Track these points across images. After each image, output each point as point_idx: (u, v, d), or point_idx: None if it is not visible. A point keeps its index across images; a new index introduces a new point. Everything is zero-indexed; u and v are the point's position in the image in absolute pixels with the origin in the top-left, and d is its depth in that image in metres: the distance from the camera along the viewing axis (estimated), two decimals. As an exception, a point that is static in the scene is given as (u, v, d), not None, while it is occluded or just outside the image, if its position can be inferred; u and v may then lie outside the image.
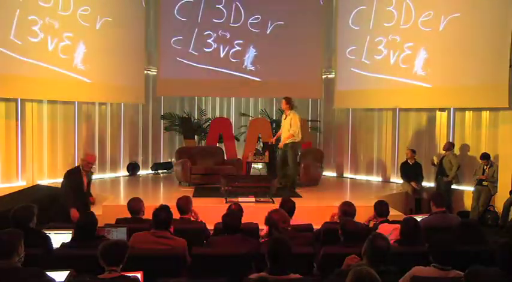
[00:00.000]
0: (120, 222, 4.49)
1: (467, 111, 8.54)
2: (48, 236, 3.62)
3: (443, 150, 8.25)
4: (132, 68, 9.62)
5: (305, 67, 10.16)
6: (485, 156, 7.69)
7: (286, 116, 7.74)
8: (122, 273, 2.85)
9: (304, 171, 8.49)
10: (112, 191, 8.23)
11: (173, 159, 10.14)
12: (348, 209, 4.44)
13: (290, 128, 7.61)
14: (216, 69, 10.08)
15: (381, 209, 4.53)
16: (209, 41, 10.05)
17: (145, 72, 10.16)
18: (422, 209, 8.00)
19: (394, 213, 6.03)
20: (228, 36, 10.08)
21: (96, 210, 5.45)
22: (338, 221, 4.56)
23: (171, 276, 3.18)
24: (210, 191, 7.84)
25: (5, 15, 7.52)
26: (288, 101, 7.73)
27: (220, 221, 3.98)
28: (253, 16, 10.11)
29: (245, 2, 10.11)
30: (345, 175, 10.41)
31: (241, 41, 10.12)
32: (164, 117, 10.59)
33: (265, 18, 10.11)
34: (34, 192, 7.56)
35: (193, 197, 5.34)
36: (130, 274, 2.85)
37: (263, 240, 3.94)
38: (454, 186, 8.24)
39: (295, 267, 2.94)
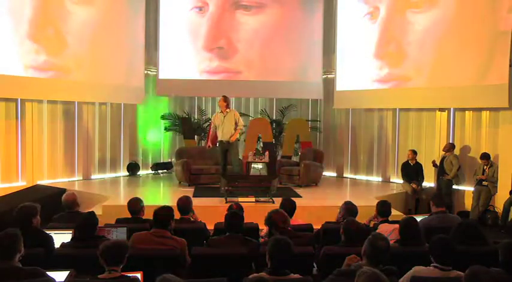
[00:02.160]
0: (120, 222, 4.49)
1: (467, 111, 8.54)
2: (51, 236, 3.63)
3: (444, 151, 8.25)
4: (132, 68, 9.62)
5: (305, 67, 10.16)
6: (485, 156, 7.69)
7: (226, 113, 7.74)
8: (122, 273, 2.85)
9: (304, 171, 8.50)
10: (112, 191, 8.23)
11: (173, 159, 10.13)
12: (351, 209, 4.44)
13: (234, 125, 7.70)
14: (216, 69, 10.07)
15: (383, 209, 4.51)
16: (209, 40, 10.04)
17: (146, 72, 10.15)
18: (420, 209, 8.01)
19: (394, 213, 5.98)
20: (228, 35, 10.06)
21: (96, 210, 5.44)
22: (337, 221, 4.57)
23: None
24: (210, 191, 7.84)
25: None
26: (226, 99, 7.85)
27: (220, 221, 3.98)
28: (254, 15, 10.11)
29: (245, 1, 10.10)
30: (345, 175, 10.41)
31: (241, 41, 10.11)
32: (164, 117, 10.58)
33: (266, 18, 10.11)
34: (34, 192, 7.58)
35: (193, 197, 5.34)
36: (130, 274, 2.85)
37: (263, 240, 3.94)
38: (454, 187, 8.24)
39: (295, 267, 2.94)
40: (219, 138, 7.82)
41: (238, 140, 8.24)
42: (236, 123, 7.75)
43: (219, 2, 10.01)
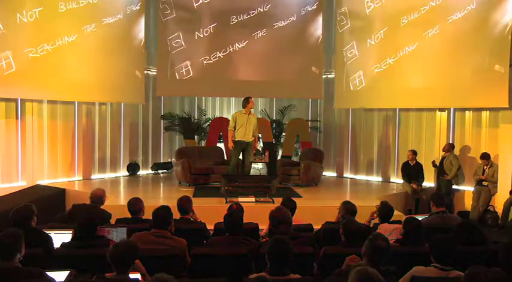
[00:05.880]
0: (120, 222, 4.49)
1: (467, 111, 8.55)
2: (50, 236, 3.62)
3: (443, 151, 8.25)
4: (132, 68, 9.61)
5: (305, 67, 10.16)
6: (485, 156, 7.69)
7: (249, 116, 7.58)
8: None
9: (304, 171, 8.50)
10: (112, 191, 8.21)
11: (173, 159, 10.13)
12: (351, 209, 4.43)
13: (253, 129, 7.59)
14: (216, 69, 10.06)
15: (387, 213, 4.47)
16: (209, 39, 10.04)
17: (146, 72, 10.14)
18: (420, 209, 8.02)
19: (394, 213, 6.02)
20: (228, 35, 10.06)
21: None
22: (337, 220, 4.57)
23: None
24: (210, 191, 7.85)
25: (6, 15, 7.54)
26: (253, 101, 7.79)
27: (220, 221, 3.98)
28: (254, 15, 10.10)
29: (245, 1, 10.10)
30: (345, 175, 10.42)
31: (241, 40, 10.10)
32: (164, 117, 10.58)
33: (266, 18, 10.10)
34: (34, 192, 7.59)
35: (193, 197, 5.35)
36: (130, 274, 2.84)
37: (263, 240, 3.94)
38: (454, 187, 8.24)
39: (295, 267, 2.94)
40: (238, 138, 7.53)
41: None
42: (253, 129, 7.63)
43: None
